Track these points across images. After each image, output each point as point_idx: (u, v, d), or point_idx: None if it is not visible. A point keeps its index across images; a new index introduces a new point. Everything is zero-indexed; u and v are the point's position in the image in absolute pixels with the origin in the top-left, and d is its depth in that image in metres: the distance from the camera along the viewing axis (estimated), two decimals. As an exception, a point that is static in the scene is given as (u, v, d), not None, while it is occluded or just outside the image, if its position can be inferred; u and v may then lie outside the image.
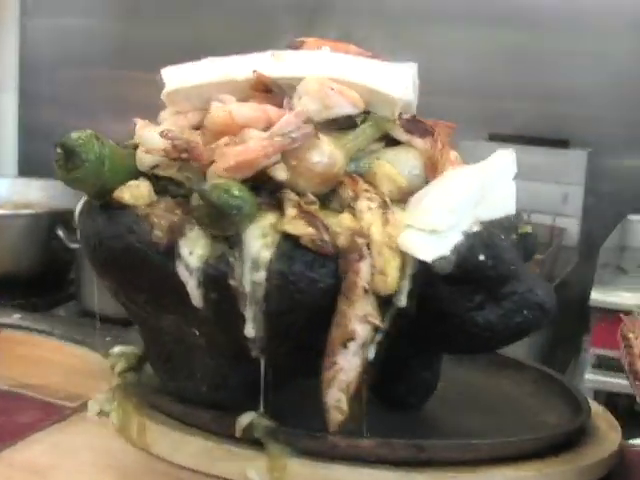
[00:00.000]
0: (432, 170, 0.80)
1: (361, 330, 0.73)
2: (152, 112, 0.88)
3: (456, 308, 0.77)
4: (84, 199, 0.85)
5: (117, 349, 0.93)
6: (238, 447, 0.79)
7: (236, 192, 0.72)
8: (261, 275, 0.73)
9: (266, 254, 0.73)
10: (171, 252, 0.75)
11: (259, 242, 0.74)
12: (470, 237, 0.76)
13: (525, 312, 0.78)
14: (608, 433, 0.83)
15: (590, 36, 2.00)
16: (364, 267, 0.73)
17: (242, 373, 0.80)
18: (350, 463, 0.77)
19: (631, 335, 0.68)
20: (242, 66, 0.84)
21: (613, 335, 0.81)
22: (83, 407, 0.89)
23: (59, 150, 0.79)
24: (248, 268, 0.73)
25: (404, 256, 0.74)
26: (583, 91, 2.01)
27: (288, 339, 0.76)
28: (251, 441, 0.79)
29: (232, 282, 0.74)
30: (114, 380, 0.91)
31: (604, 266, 1.66)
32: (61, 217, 1.80)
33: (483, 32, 2.05)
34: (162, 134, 0.78)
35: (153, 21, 2.36)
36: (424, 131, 0.82)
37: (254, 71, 0.82)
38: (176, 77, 0.85)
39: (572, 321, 1.55)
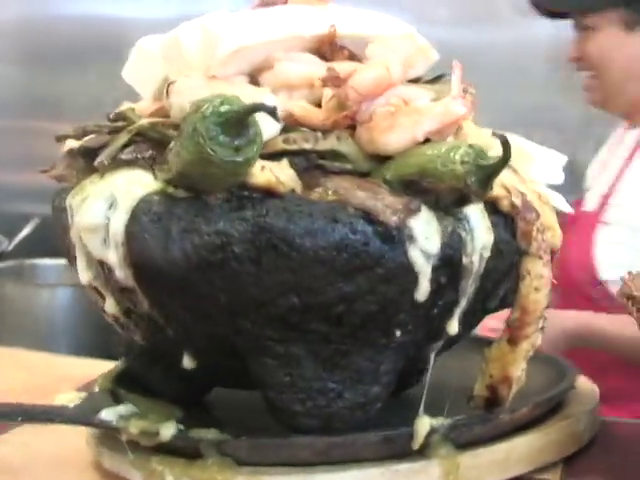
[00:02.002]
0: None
1: (549, 292, 0.71)
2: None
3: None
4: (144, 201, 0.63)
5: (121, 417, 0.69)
6: (402, 463, 0.69)
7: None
8: (488, 247, 0.66)
9: (489, 224, 0.67)
10: (397, 239, 0.62)
11: (482, 212, 0.66)
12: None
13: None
14: (590, 388, 0.84)
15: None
16: (541, 226, 0.71)
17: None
18: (508, 436, 0.73)
19: (636, 293, 0.75)
20: (299, 21, 0.71)
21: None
22: None
23: (216, 122, 0.58)
24: (479, 241, 0.66)
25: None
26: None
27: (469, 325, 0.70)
28: (409, 452, 0.69)
29: (465, 259, 0.65)
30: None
31: None
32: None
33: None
34: (328, 79, 0.63)
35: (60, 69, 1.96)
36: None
37: (331, 26, 0.70)
38: (235, 35, 0.67)
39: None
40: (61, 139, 0.73)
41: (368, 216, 0.61)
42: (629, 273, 0.74)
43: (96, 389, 0.75)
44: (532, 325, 0.70)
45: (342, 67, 0.68)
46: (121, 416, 0.69)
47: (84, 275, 0.66)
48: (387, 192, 0.63)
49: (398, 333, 0.65)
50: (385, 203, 0.61)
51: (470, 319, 0.70)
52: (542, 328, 0.70)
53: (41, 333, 1.76)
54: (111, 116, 0.69)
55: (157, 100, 0.74)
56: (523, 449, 0.73)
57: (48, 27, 2.34)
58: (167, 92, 0.69)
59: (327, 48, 0.70)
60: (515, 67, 2.20)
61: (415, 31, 0.74)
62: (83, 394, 0.74)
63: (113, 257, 0.64)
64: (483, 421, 0.71)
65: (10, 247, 2.05)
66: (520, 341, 0.70)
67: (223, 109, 0.58)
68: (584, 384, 0.85)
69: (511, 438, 0.73)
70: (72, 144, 0.70)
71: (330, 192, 0.62)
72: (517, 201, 0.69)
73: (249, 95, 0.64)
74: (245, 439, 0.67)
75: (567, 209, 0.74)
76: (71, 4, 2.38)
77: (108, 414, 0.69)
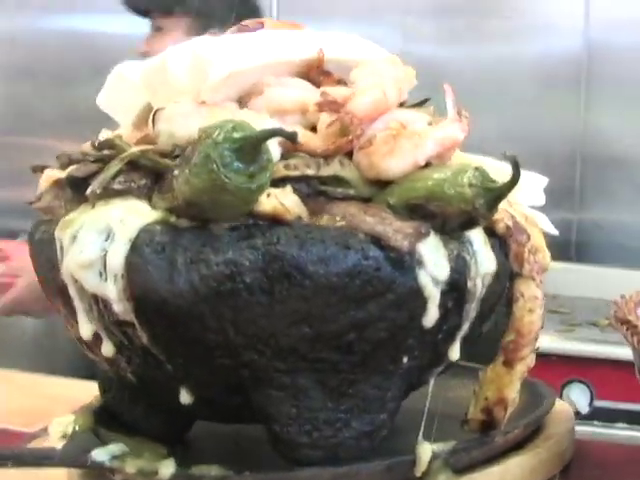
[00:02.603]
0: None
1: (542, 313, 0.72)
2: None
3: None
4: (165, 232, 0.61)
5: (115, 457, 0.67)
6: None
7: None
8: (490, 271, 0.66)
9: (490, 247, 0.67)
10: (408, 264, 0.62)
11: (484, 236, 0.66)
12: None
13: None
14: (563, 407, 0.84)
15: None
16: (532, 247, 0.71)
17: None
18: (502, 459, 0.73)
19: (631, 317, 0.73)
20: (289, 45, 0.70)
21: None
22: (43, 432, 0.78)
23: (230, 149, 0.57)
24: (482, 265, 0.65)
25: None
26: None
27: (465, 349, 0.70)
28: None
29: (469, 283, 0.65)
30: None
31: None
32: None
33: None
34: (324, 104, 0.63)
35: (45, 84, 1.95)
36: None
37: (319, 50, 0.69)
38: (227, 60, 0.66)
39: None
40: (38, 170, 0.70)
41: (378, 241, 0.61)
42: (622, 297, 0.75)
43: (76, 428, 0.72)
44: (527, 347, 0.70)
45: (336, 92, 0.67)
46: (114, 456, 0.66)
47: (86, 328, 0.64)
48: (393, 217, 0.62)
49: (405, 359, 0.64)
50: (394, 228, 0.61)
51: (467, 343, 0.70)
52: (537, 349, 0.71)
53: (21, 351, 1.72)
54: (96, 144, 0.66)
55: (137, 128, 0.72)
56: (516, 471, 0.73)
57: (33, 42, 2.30)
58: (154, 119, 0.67)
59: (316, 73, 0.69)
60: (499, 85, 2.21)
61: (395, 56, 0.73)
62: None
63: (111, 291, 0.61)
64: (481, 444, 0.71)
65: (-9, 265, 1.99)
66: (516, 363, 0.70)
67: (237, 135, 0.56)
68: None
69: (504, 460, 0.73)
70: (55, 173, 0.68)
71: (338, 218, 0.61)
72: (509, 223, 0.69)
73: (248, 121, 0.63)
74: (249, 474, 0.65)
75: (553, 231, 0.75)
76: (56, 20, 2.34)
77: (99, 454, 0.66)
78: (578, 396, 1.67)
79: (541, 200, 0.76)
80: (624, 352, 1.90)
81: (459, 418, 0.73)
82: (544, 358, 1.66)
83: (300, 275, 0.59)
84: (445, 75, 0.70)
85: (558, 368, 1.65)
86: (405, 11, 2.30)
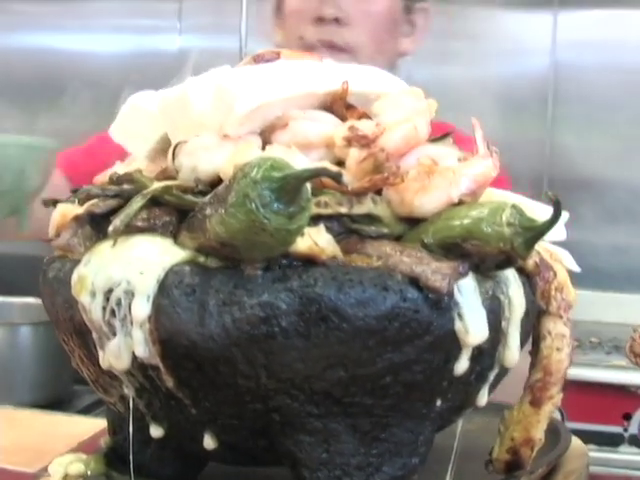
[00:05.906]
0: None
1: (570, 350, 0.70)
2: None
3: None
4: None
5: None
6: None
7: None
8: (522, 310, 0.65)
9: (522, 285, 0.65)
10: (446, 306, 0.60)
11: (515, 274, 0.65)
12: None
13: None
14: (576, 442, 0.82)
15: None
16: (559, 284, 0.70)
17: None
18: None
19: None
20: (312, 77, 0.68)
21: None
22: (43, 472, 0.75)
23: (270, 188, 0.54)
24: (516, 305, 0.64)
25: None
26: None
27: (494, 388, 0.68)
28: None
29: (503, 324, 0.63)
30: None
31: None
32: None
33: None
34: (354, 139, 0.61)
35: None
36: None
37: (344, 82, 0.68)
38: (253, 92, 0.64)
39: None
40: (49, 204, 0.67)
41: (416, 282, 0.59)
42: (635, 330, 0.74)
43: (88, 473, 0.70)
44: (555, 386, 0.68)
45: (362, 126, 0.65)
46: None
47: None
48: (429, 256, 0.60)
49: (439, 402, 0.62)
50: (432, 268, 0.59)
51: (496, 382, 0.68)
52: (564, 388, 0.69)
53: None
54: (115, 178, 0.64)
55: (152, 160, 0.69)
56: (541, 511, 0.72)
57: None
58: (174, 153, 0.65)
59: (340, 105, 0.67)
60: (466, 106, 2.20)
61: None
62: (80, 456, 0.71)
63: (137, 336, 0.59)
64: (505, 484, 0.69)
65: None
66: (544, 403, 0.69)
67: (277, 174, 0.54)
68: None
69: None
70: (70, 208, 0.65)
71: (374, 258, 0.59)
72: (537, 260, 0.68)
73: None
74: (276, 522, 0.63)
75: (575, 268, 0.73)
76: (15, 36, 2.29)
77: None
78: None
79: (562, 235, 0.75)
80: (593, 374, 1.90)
81: (482, 457, 0.71)
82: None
83: (338, 318, 0.57)
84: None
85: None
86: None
